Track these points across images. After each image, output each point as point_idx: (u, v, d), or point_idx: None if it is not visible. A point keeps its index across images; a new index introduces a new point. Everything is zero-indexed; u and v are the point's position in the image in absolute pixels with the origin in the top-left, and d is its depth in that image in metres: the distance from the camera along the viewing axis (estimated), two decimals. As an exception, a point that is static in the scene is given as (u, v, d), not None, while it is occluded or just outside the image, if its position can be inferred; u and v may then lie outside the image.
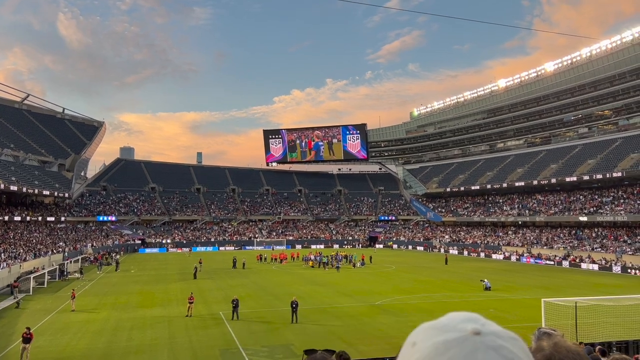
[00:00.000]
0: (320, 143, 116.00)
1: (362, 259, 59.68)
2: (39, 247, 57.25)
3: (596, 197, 70.11)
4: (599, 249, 59.86)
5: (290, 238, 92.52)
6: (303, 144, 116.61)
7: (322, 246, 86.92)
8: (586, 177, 70.07)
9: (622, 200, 65.45)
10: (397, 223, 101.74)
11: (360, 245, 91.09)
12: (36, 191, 67.55)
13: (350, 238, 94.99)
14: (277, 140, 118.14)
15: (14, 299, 34.48)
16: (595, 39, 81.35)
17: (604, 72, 76.96)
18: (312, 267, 56.94)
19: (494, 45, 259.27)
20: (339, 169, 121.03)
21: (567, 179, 72.84)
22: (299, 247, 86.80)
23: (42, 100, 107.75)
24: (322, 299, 34.58)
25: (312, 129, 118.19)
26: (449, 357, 0.87)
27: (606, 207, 66.04)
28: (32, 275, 40.90)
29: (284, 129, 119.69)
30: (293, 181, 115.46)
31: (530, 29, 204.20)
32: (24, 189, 64.07)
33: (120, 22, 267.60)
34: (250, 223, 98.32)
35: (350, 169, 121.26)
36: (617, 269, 52.92)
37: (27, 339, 19.99)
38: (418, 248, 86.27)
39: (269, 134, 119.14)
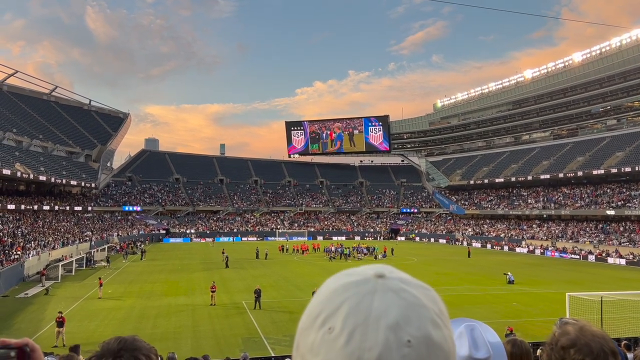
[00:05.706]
0: (343, 135, 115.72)
1: (384, 251, 59.63)
2: (67, 236, 58.62)
3: (624, 190, 68.51)
4: (627, 244, 58.61)
5: (312, 229, 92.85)
6: (324, 135, 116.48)
7: (343, 238, 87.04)
8: (614, 170, 68.44)
9: (651, 194, 63.90)
10: (419, 215, 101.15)
11: (381, 238, 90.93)
12: (64, 181, 69.09)
13: (371, 230, 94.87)
14: (299, 132, 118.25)
15: (41, 287, 35.45)
16: (625, 28, 79.25)
17: (634, 62, 74.88)
18: (333, 258, 57.11)
19: (520, 36, 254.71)
20: (361, 161, 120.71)
21: (595, 172, 71.30)
22: (320, 238, 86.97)
23: (69, 92, 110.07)
24: (343, 290, 34.65)
25: (334, 121, 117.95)
26: (345, 298, 0.81)
27: (635, 200, 64.50)
28: (60, 263, 41.92)
29: (306, 121, 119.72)
30: (315, 173, 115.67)
31: (558, 18, 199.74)
32: (52, 179, 65.58)
33: (145, 15, 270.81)
34: (272, 214, 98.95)
35: (372, 161, 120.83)
36: (645, 264, 51.78)
37: (60, 322, 20.67)
38: (440, 241, 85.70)
39: (291, 126, 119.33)
